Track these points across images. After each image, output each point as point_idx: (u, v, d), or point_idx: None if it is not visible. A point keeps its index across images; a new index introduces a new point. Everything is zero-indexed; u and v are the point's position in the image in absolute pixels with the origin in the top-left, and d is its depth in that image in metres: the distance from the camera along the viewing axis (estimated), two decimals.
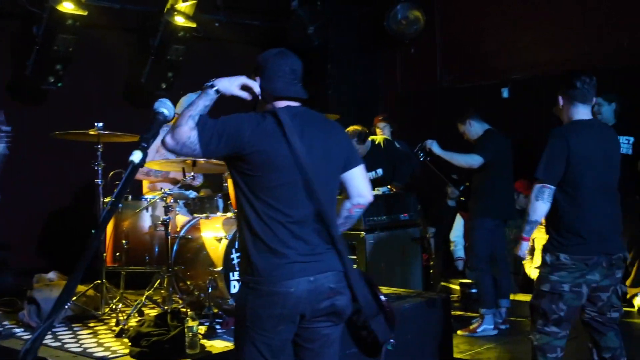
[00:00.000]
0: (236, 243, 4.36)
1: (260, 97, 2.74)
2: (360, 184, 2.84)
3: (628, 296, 6.15)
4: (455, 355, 5.04)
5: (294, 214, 2.60)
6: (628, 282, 6.12)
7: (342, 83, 8.12)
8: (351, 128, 6.35)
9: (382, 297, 2.78)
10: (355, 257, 6.07)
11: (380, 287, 2.86)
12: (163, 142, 2.60)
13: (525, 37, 7.27)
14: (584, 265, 3.58)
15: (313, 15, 7.60)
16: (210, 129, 2.57)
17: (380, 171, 6.46)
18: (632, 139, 6.01)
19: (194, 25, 6.62)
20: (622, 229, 6.16)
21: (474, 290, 6.28)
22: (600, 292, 3.67)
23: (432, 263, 6.47)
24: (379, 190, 6.32)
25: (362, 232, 6.04)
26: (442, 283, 6.95)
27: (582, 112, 3.70)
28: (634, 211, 6.08)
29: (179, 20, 6.52)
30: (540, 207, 3.61)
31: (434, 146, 5.71)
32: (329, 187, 2.72)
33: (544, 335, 3.66)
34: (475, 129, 5.75)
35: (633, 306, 6.10)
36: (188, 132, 2.54)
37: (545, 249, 3.71)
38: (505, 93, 7.52)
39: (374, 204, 6.09)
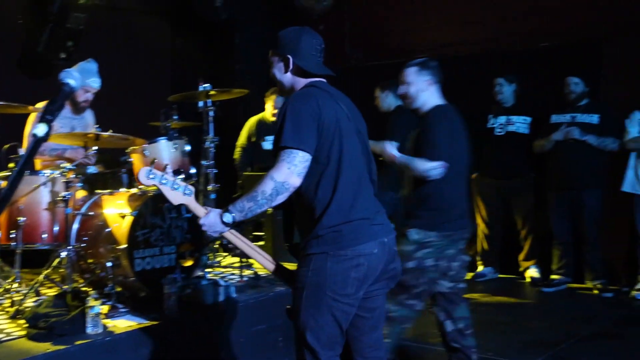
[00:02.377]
0: (142, 220, 4.26)
1: (290, 74, 2.80)
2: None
3: (521, 269, 6.48)
4: None
5: (362, 177, 2.71)
6: (521, 257, 6.45)
7: (250, 58, 8.00)
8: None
9: None
10: (262, 233, 6.07)
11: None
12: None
13: (433, 18, 7.40)
14: (448, 240, 3.62)
15: None
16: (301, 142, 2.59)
17: None
18: (529, 119, 6.29)
19: None
20: (515, 206, 6.51)
21: None
22: (453, 263, 3.68)
23: None
24: None
25: (269, 209, 6.00)
26: None
27: None
28: (529, 189, 6.38)
29: None
30: None
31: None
32: (370, 150, 2.83)
33: (403, 307, 3.64)
34: (389, 100, 5.98)
35: (525, 278, 6.43)
36: (295, 179, 2.58)
37: (410, 227, 3.62)
38: None
39: None
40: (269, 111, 6.47)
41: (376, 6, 7.85)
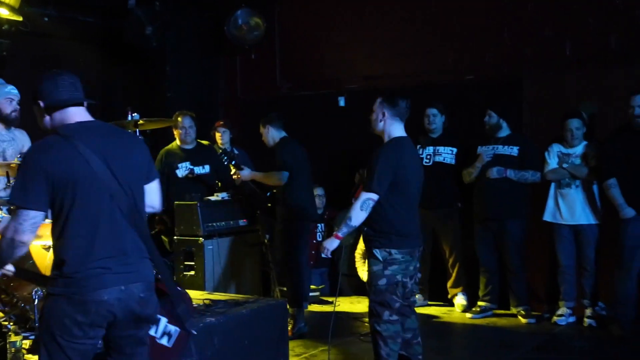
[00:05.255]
0: None
1: (47, 118, 2.84)
2: (155, 196, 3.04)
3: (449, 296, 6.62)
4: (291, 359, 5.13)
5: (106, 228, 2.76)
6: (449, 284, 6.59)
7: (181, 86, 7.97)
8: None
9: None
10: (193, 263, 6.00)
11: (218, 294, 3.01)
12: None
13: (361, 50, 7.57)
14: (410, 257, 4.13)
15: (151, 16, 7.39)
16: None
17: (207, 167, 6.53)
18: (455, 150, 6.48)
19: (20, 19, 6.20)
20: (443, 235, 6.69)
21: None
22: (409, 280, 4.20)
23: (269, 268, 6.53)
24: (219, 196, 6.29)
25: (200, 238, 5.97)
26: (280, 287, 7.05)
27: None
28: (456, 218, 6.55)
29: (3, 13, 6.06)
30: None
31: (244, 172, 6.00)
32: (137, 196, 2.88)
33: (389, 324, 4.08)
34: (272, 134, 6.01)
35: (453, 305, 6.57)
36: (22, 237, 2.71)
37: (373, 247, 4.10)
38: (341, 102, 7.78)
39: (213, 209, 6.18)
40: (177, 138, 6.51)
41: (307, 38, 7.97)
